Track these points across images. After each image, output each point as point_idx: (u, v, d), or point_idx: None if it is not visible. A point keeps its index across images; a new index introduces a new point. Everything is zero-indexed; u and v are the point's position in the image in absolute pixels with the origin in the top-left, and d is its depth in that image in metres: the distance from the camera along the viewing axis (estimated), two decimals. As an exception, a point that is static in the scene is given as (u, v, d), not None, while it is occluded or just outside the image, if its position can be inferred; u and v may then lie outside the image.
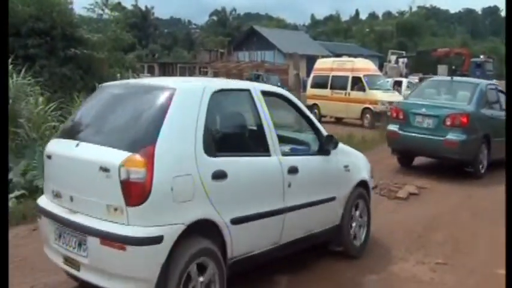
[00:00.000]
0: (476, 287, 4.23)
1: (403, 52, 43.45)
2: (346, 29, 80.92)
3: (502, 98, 8.79)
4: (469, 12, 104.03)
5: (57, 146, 3.63)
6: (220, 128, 3.61)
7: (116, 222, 3.00)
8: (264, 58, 41.94)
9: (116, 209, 3.00)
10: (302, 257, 4.46)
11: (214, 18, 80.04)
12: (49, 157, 3.60)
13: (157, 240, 2.95)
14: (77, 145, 3.36)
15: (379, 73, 20.21)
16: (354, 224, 4.68)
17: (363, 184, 4.79)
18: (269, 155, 3.77)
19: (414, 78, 28.23)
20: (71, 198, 3.30)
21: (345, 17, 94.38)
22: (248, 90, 3.90)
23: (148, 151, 2.99)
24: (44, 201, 3.64)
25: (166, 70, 50.99)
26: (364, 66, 18.56)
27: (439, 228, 5.75)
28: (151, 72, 48.17)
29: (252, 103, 3.84)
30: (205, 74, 42.13)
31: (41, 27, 11.29)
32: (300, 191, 3.93)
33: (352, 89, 17.43)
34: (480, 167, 8.38)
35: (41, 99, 8.30)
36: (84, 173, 3.22)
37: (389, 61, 38.51)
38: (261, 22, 76.76)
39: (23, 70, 8.85)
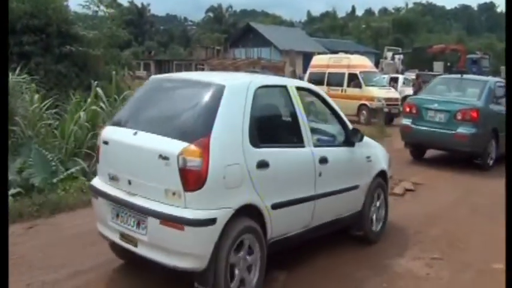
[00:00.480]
0: (472, 282, 4.25)
1: (399, 49, 43.45)
2: (343, 26, 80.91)
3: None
4: (465, 8, 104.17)
5: (114, 133, 3.90)
6: (262, 121, 3.81)
7: (174, 205, 3.32)
8: (260, 55, 41.90)
9: (174, 193, 3.33)
10: (299, 253, 4.48)
11: (211, 15, 79.84)
12: (106, 143, 3.89)
13: (211, 222, 3.29)
14: (135, 133, 3.66)
15: (375, 70, 20.22)
16: (373, 211, 5.05)
17: (382, 174, 5.16)
18: (303, 146, 4.11)
19: (410, 75, 28.28)
20: (129, 182, 3.61)
21: (341, 14, 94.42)
22: (285, 86, 4.24)
23: (204, 142, 3.30)
24: (99, 183, 3.94)
25: (163, 67, 50.88)
26: (361, 62, 18.58)
27: (435, 224, 5.78)
28: (147, 70, 48.04)
29: (288, 98, 4.18)
30: (201, 70, 42.08)
31: (36, 24, 11.24)
32: (328, 180, 4.27)
33: (348, 86, 17.45)
34: (488, 159, 8.79)
35: (36, 96, 8.26)
36: (144, 159, 3.53)
37: (386, 58, 38.49)
38: (257, 19, 76.59)
39: (18, 67, 8.81)
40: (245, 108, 3.63)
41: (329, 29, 78.06)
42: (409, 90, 21.92)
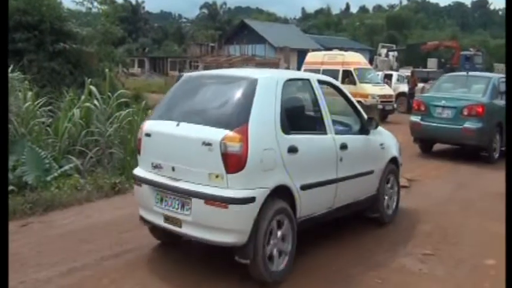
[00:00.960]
0: (465, 277, 4.28)
1: (393, 45, 43.49)
2: (337, 23, 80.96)
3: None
4: (459, 5, 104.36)
5: (156, 126, 4.28)
6: (290, 110, 4.22)
7: (218, 187, 3.70)
8: (254, 52, 41.86)
9: (217, 176, 3.71)
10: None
11: (205, 11, 79.55)
12: (148, 135, 4.26)
13: (251, 200, 3.68)
14: (178, 125, 4.04)
15: (369, 66, 20.25)
16: (386, 195, 5.52)
17: (394, 160, 5.64)
18: (326, 133, 4.56)
19: (405, 72, 28.35)
20: (173, 168, 3.98)
21: (335, 11, 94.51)
22: (308, 80, 4.73)
23: (243, 129, 3.70)
24: (142, 172, 4.31)
25: (157, 64, 50.74)
26: (355, 59, 18.58)
27: (428, 220, 5.81)
28: (142, 67, 47.94)
29: (311, 90, 4.64)
30: (196, 68, 41.97)
31: (29, 21, 11.19)
32: (348, 165, 4.70)
33: (342, 83, 17.44)
34: (494, 152, 9.22)
35: (29, 94, 8.23)
36: (187, 147, 3.91)
37: (380, 54, 38.51)
38: (252, 16, 76.51)
39: (11, 65, 8.75)
40: (276, 99, 4.05)
41: (323, 26, 78.08)
42: (404, 87, 21.96)
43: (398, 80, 23.61)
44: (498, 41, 57.95)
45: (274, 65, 33.82)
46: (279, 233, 3.97)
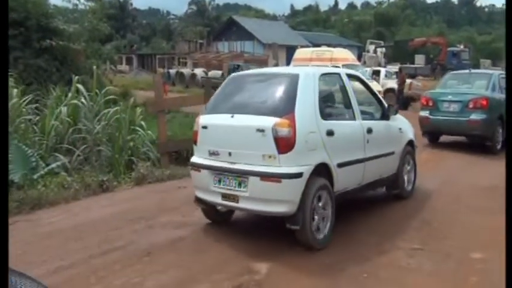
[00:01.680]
0: (452, 271, 4.31)
1: (381, 42, 43.73)
2: (325, 19, 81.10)
3: None
4: (446, 2, 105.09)
5: (211, 119, 4.92)
6: (326, 100, 5.06)
7: (271, 166, 4.37)
8: (243, 48, 41.82)
9: (270, 157, 4.37)
10: (278, 245, 4.55)
11: (193, 8, 79.14)
12: (205, 127, 4.91)
13: (300, 175, 4.35)
14: (232, 116, 4.70)
15: (357, 63, 20.33)
16: (405, 173, 6.28)
17: (410, 143, 6.40)
18: (355, 119, 5.29)
19: (393, 68, 28.52)
20: (229, 154, 4.63)
21: (324, 7, 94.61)
22: (338, 74, 5.50)
23: (291, 116, 4.39)
24: (199, 159, 4.94)
25: (145, 61, 50.40)
26: (343, 55, 18.65)
27: (416, 214, 5.84)
28: (130, 64, 47.58)
29: (341, 82, 5.36)
30: (184, 64, 41.80)
31: (14, 17, 11.05)
32: (373, 146, 5.40)
33: (331, 79, 17.49)
34: (496, 143, 9.79)
35: (15, 91, 8.13)
36: (243, 134, 4.58)
37: (368, 51, 38.73)
38: (240, 12, 76.29)
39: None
40: (314, 90, 4.74)
41: (312, 23, 78.16)
42: (392, 83, 22.08)
43: (386, 76, 23.72)
44: (484, 38, 58.54)
45: (263, 61, 33.78)
46: (321, 205, 4.63)
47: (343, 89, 5.37)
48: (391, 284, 4.03)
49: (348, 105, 5.36)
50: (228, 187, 4.63)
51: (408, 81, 21.98)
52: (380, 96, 6.01)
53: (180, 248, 4.64)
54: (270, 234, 4.92)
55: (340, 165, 4.83)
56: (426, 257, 4.57)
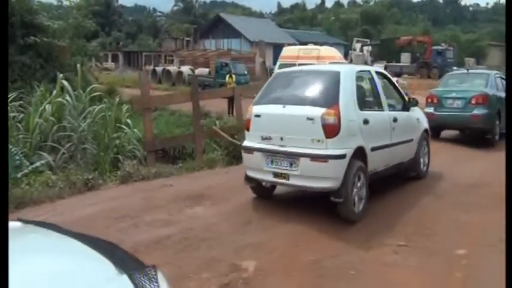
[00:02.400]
0: (437, 267, 4.36)
1: (368, 40, 43.95)
2: (312, 17, 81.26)
3: (503, 83, 11.47)
4: (431, 1, 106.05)
5: (264, 109, 5.70)
6: (361, 93, 5.87)
7: (319, 148, 5.15)
8: (230, 46, 41.69)
9: (318, 141, 5.17)
10: (264, 242, 4.57)
11: (180, 5, 78.71)
12: (258, 116, 5.68)
13: (343, 156, 5.16)
14: (284, 107, 5.51)
15: (344, 61, 20.38)
16: (421, 157, 7.21)
17: (425, 131, 7.40)
18: (383, 110, 6.19)
19: (380, 66, 28.71)
20: (281, 138, 5.39)
21: (310, 5, 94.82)
22: (369, 71, 6.49)
23: (336, 107, 5.20)
24: (251, 144, 5.68)
25: (131, 58, 50.01)
26: (330, 54, 18.65)
27: (402, 211, 5.89)
28: (116, 61, 47.17)
29: (372, 78, 6.31)
30: (171, 62, 41.58)
31: (-3, 13, 10.87)
32: (398, 134, 6.32)
33: (318, 77, 17.52)
34: (495, 135, 10.72)
35: (-2, 89, 8.00)
36: (294, 122, 5.37)
37: (355, 49, 38.89)
38: (227, 10, 76.13)
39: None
40: (353, 85, 5.63)
41: (299, 21, 78.28)
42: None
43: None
44: (469, 36, 59.15)
45: (250, 59, 33.74)
46: (359, 184, 5.37)
47: (373, 84, 6.28)
48: (377, 281, 4.06)
49: (377, 97, 6.26)
50: (280, 167, 5.41)
51: (394, 79, 22.10)
52: (402, 90, 7.02)
53: (168, 246, 4.62)
54: (257, 232, 4.94)
55: (372, 149, 5.66)
56: (411, 253, 4.62)
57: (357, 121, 5.44)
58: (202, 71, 30.49)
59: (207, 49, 42.12)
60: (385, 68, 23.31)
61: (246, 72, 26.51)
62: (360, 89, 5.88)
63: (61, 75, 8.73)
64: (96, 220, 5.14)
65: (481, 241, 5.01)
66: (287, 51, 19.97)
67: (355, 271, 4.17)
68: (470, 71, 12.81)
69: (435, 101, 11.19)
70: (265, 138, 5.55)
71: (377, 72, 6.56)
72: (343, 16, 73.02)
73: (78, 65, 10.09)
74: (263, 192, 6.15)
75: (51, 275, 1.66)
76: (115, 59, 49.62)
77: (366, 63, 33.12)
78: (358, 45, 39.48)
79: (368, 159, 5.56)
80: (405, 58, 38.10)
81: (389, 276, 4.15)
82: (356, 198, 5.35)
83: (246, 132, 5.92)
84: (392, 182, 6.90)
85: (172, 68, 34.22)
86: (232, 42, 42.89)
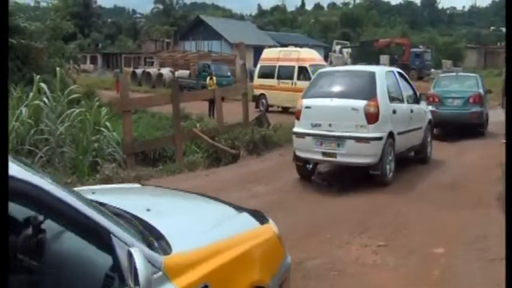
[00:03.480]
0: (416, 266, 4.43)
1: (347, 42, 44.36)
2: (293, 20, 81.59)
3: (484, 84, 13.53)
4: (409, 3, 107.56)
5: (313, 102, 7.20)
6: (389, 89, 7.36)
7: (363, 132, 6.69)
8: (211, 48, 41.59)
9: (361, 126, 6.68)
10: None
11: (159, 7, 78.19)
12: (308, 107, 7.16)
13: (381, 138, 6.73)
14: (331, 100, 7.01)
15: (324, 63, 20.53)
16: (427, 143, 8.69)
17: (430, 121, 8.98)
18: (404, 103, 7.77)
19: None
20: (329, 125, 6.84)
21: (291, 8, 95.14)
22: (393, 71, 8.19)
23: (375, 100, 6.77)
24: (302, 130, 7.15)
25: (110, 60, 49.46)
26: (310, 56, 18.80)
27: (381, 212, 5.96)
28: (94, 63, 46.62)
29: (395, 77, 7.92)
30: (151, 64, 41.27)
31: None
32: (413, 122, 7.95)
33: (298, 79, 17.61)
34: (485, 129, 12.64)
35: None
36: (341, 111, 6.88)
37: (334, 51, 39.20)
38: (207, 12, 75.92)
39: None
40: (384, 82, 7.21)
41: (280, 23, 78.52)
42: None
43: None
44: (446, 39, 60.11)
45: (231, 61, 33.72)
46: (390, 158, 7.01)
47: (396, 81, 7.83)
48: (358, 281, 4.10)
49: (399, 92, 7.78)
50: (329, 148, 6.87)
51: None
52: (414, 86, 8.67)
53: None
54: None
55: (398, 134, 7.23)
56: (390, 253, 4.68)
57: (389, 111, 7.00)
58: (182, 73, 30.29)
59: (187, 51, 41.91)
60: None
61: (229, 74, 26.43)
62: (388, 85, 7.33)
63: (38, 77, 8.58)
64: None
65: (458, 240, 5.10)
66: (268, 53, 20.06)
67: (337, 272, 4.21)
68: (458, 73, 14.70)
69: (437, 100, 12.30)
70: (315, 125, 6.97)
71: (398, 72, 8.22)
72: (323, 18, 73.52)
73: (58, 68, 9.94)
74: (306, 173, 7.53)
75: (198, 209, 2.74)
76: (94, 61, 49.02)
77: (345, 65, 33.42)
78: (338, 47, 39.81)
79: (396, 141, 7.15)
80: (384, 60, 38.49)
81: (370, 276, 4.20)
82: (388, 170, 6.96)
83: (296, 120, 7.37)
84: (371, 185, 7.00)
85: (153, 70, 33.92)
86: (213, 44, 42.79)
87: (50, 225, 1.94)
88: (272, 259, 2.56)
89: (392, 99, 7.25)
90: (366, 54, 41.84)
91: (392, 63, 38.10)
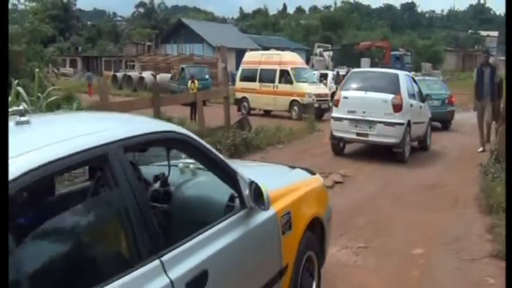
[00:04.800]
0: (395, 267, 4.49)
1: (329, 45, 44.62)
2: (275, 23, 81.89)
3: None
4: (389, 7, 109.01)
5: (350, 93, 9.30)
6: (408, 88, 9.42)
7: (389, 119, 8.79)
8: (192, 51, 41.46)
9: (389, 114, 8.82)
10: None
11: (141, 10, 77.72)
12: (346, 98, 9.22)
13: (403, 124, 8.86)
14: (366, 93, 9.13)
15: (305, 66, 20.65)
16: (428, 135, 10.79)
17: (430, 118, 10.98)
18: (416, 100, 9.75)
19: (341, 71, 29.20)
20: (363, 112, 8.90)
21: (273, 11, 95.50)
22: (408, 75, 10.29)
23: (399, 94, 8.94)
24: (340, 115, 9.26)
25: (90, 64, 48.94)
26: (291, 59, 18.89)
27: (361, 214, 6.03)
28: (74, 66, 46.06)
29: (410, 79, 9.99)
30: (132, 67, 40.97)
31: None
32: (421, 116, 9.98)
33: (280, 82, 17.69)
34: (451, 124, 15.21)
35: None
36: (373, 102, 8.92)
37: (316, 54, 39.41)
38: (189, 15, 75.70)
39: None
40: (404, 82, 9.30)
41: (261, 26, 78.76)
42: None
43: (333, 79, 24.31)
44: (425, 42, 61.04)
45: (213, 64, 33.66)
46: (408, 140, 9.18)
47: (411, 83, 9.94)
48: (339, 282, 4.14)
49: (413, 92, 9.77)
50: (362, 129, 9.07)
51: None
52: (420, 89, 10.82)
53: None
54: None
55: (414, 123, 9.33)
56: (371, 254, 4.74)
57: (408, 104, 9.09)
58: (163, 76, 30.09)
59: (169, 54, 41.73)
60: (337, 73, 23.82)
61: (207, 77, 26.29)
62: (407, 85, 9.45)
63: (16, 81, 8.44)
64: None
65: (436, 240, 5.18)
66: (249, 56, 20.08)
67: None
68: (426, 77, 17.75)
69: None
70: (351, 112, 9.11)
71: (411, 77, 10.65)
72: (305, 22, 73.88)
73: (37, 70, 9.78)
74: (338, 150, 9.70)
75: (266, 167, 4.10)
76: (73, 64, 48.46)
77: (327, 68, 33.65)
78: (319, 50, 40.04)
79: (411, 128, 9.20)
80: (365, 63, 38.86)
81: (351, 277, 4.24)
82: (406, 149, 9.14)
83: (334, 107, 9.67)
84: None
85: (134, 74, 33.64)
86: (195, 47, 42.68)
87: (172, 180, 2.89)
88: (323, 200, 3.61)
89: (409, 96, 9.31)
90: (347, 57, 42.30)
91: (373, 66, 38.54)
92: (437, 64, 52.00)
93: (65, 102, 11.04)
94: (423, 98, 10.38)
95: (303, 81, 17.61)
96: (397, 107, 8.78)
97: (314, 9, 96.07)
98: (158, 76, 30.58)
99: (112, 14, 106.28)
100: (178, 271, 1.92)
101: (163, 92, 21.21)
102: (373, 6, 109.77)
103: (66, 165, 1.71)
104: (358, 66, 38.62)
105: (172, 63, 34.87)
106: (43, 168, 1.60)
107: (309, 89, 17.28)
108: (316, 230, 3.39)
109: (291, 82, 17.38)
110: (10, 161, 1.52)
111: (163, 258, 1.88)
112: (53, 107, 8.84)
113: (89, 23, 71.63)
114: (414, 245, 4.95)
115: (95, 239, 1.90)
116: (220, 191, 2.60)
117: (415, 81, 10.48)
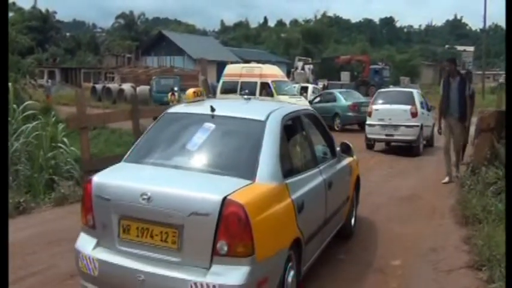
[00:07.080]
0: (374, 278, 4.50)
1: (309, 59, 45.06)
2: (256, 36, 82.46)
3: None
4: (368, 22, 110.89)
5: (379, 106, 12.83)
6: (420, 101, 13.01)
7: (408, 122, 12.12)
8: (173, 63, 41.40)
9: (408, 119, 12.11)
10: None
11: (121, 21, 77.39)
12: (377, 109, 12.75)
13: (418, 126, 12.14)
14: (390, 105, 12.67)
15: (286, 79, 20.79)
16: (432, 136, 13.55)
17: (433, 124, 12.81)
18: (424, 109, 12.98)
19: (321, 84, 29.50)
20: (390, 119, 12.39)
21: (254, 24, 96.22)
22: (419, 92, 15.06)
23: (415, 105, 12.41)
24: (373, 122, 12.70)
25: (69, 75, 48.38)
26: (272, 72, 19.01)
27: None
28: (52, 78, 45.44)
29: (419, 94, 13.95)
30: (112, 79, 40.68)
31: None
32: (427, 121, 12.98)
33: (260, 94, 17.75)
34: None
35: None
36: (396, 111, 12.32)
37: (297, 67, 39.74)
38: (170, 27, 75.67)
39: None
40: (417, 97, 12.91)
41: (243, 39, 79.25)
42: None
43: (313, 92, 24.53)
44: (403, 56, 62.14)
45: (193, 77, 33.62)
46: (422, 139, 12.29)
47: (422, 97, 13.39)
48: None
49: (423, 104, 12.82)
50: (389, 131, 12.22)
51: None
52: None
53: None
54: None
55: (424, 126, 12.19)
56: (350, 266, 4.74)
57: (421, 112, 12.19)
58: (143, 88, 29.93)
59: (149, 66, 41.60)
60: (324, 87, 24.01)
61: (176, 89, 25.65)
62: (419, 99, 12.76)
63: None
64: (28, 245, 4.89)
65: (414, 251, 5.22)
66: (230, 69, 20.13)
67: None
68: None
69: None
70: (380, 119, 12.34)
71: (421, 93, 14.45)
72: (285, 35, 74.52)
73: (10, 83, 9.63)
74: (370, 146, 12.89)
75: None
76: (51, 75, 47.84)
77: (307, 81, 33.93)
78: (300, 64, 40.40)
79: (423, 130, 12.16)
80: (345, 76, 39.37)
81: (329, 289, 4.22)
82: (421, 145, 12.22)
83: (367, 117, 12.91)
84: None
85: (113, 86, 33.38)
86: (175, 59, 42.66)
87: None
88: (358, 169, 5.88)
89: (421, 106, 12.46)
90: (328, 70, 42.73)
91: (353, 79, 39.06)
92: (415, 78, 52.93)
93: (42, 114, 10.89)
94: (429, 108, 13.35)
95: (284, 94, 17.68)
96: (414, 114, 12.04)
97: (295, 22, 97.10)
98: (138, 88, 30.37)
99: (92, 25, 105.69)
100: (324, 175, 4.32)
101: (143, 104, 21.09)
102: (353, 20, 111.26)
103: (292, 116, 4.15)
104: (338, 79, 39.19)
105: (152, 75, 34.67)
106: (290, 115, 4.11)
107: (290, 101, 17.34)
108: (358, 182, 5.78)
109: (271, 95, 17.44)
110: (272, 113, 3.86)
111: (320, 168, 4.34)
112: (30, 119, 8.72)
113: (68, 34, 71.04)
114: (392, 256, 4.98)
115: (307, 149, 4.40)
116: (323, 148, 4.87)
117: (423, 96, 13.94)
